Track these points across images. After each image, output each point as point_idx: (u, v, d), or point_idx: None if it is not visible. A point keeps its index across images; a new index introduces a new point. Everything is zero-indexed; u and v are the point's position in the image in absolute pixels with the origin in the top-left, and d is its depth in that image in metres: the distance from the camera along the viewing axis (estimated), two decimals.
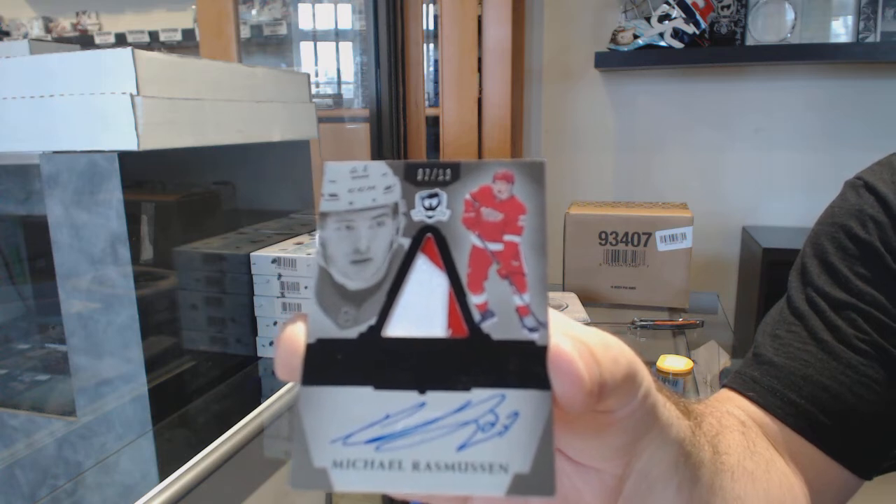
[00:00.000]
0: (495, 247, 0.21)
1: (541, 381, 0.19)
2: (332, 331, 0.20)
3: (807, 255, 0.49)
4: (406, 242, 0.21)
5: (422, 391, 0.20)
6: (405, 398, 0.20)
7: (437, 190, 0.22)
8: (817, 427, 0.43)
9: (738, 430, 0.40)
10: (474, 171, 0.22)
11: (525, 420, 0.19)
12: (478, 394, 0.19)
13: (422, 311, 0.21)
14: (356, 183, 0.22)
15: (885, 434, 0.45)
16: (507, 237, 0.21)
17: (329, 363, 0.20)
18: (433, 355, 0.20)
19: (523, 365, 0.20)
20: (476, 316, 0.20)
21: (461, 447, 0.19)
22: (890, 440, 0.45)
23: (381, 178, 0.22)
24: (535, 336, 0.20)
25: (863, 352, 0.44)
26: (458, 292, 0.21)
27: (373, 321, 0.21)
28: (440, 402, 0.19)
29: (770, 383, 0.45)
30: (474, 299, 0.21)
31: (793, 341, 0.46)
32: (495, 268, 0.21)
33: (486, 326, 0.20)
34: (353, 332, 0.20)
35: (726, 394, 0.48)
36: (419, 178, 0.22)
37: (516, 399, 0.19)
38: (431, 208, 0.21)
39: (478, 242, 0.21)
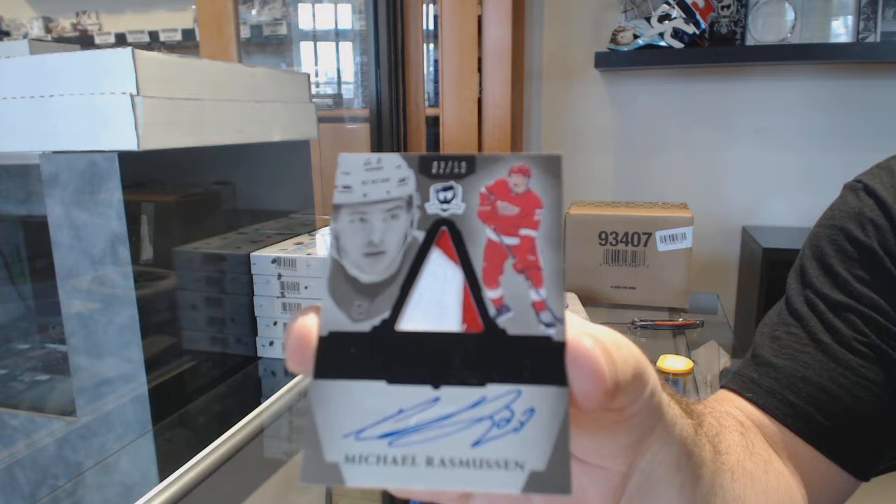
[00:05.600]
0: (511, 241, 0.21)
1: (558, 377, 0.19)
2: (344, 324, 0.20)
3: (806, 256, 0.49)
4: (420, 235, 0.21)
5: (436, 386, 0.19)
6: (419, 393, 0.19)
7: (451, 183, 0.21)
8: (816, 428, 0.43)
9: (736, 430, 0.40)
10: (490, 164, 0.21)
11: (541, 417, 0.19)
12: (493, 389, 0.19)
13: (436, 305, 0.20)
14: (370, 175, 0.22)
15: (884, 436, 0.45)
16: (523, 231, 0.21)
17: (342, 356, 0.20)
18: (447, 350, 0.20)
19: (540, 361, 0.19)
20: (491, 310, 0.20)
21: (476, 443, 0.19)
22: (888, 442, 0.45)
23: (396, 171, 0.22)
24: (551, 332, 0.20)
25: (862, 354, 0.44)
26: (473, 286, 0.20)
27: (386, 314, 0.20)
28: (455, 397, 0.19)
29: (769, 384, 0.45)
30: (489, 293, 0.20)
31: (792, 343, 0.46)
32: (511, 262, 0.20)
33: (502, 321, 0.20)
34: (366, 326, 0.20)
35: (725, 394, 0.48)
36: (434, 170, 0.21)
37: (532, 395, 0.19)
38: (446, 201, 0.21)
39: (493, 236, 0.21)
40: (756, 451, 0.39)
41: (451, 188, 0.21)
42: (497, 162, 0.21)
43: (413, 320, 0.20)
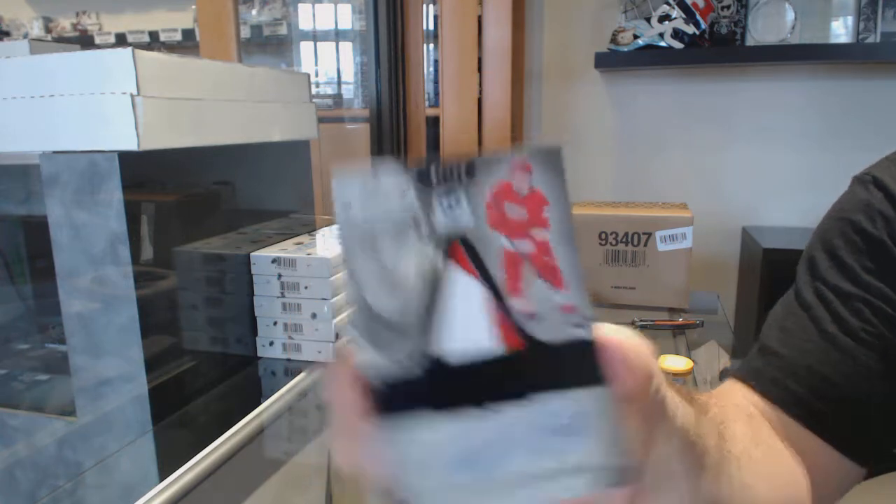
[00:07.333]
0: (525, 246, 0.20)
1: (596, 377, 0.20)
2: (384, 363, 0.20)
3: (815, 247, 0.49)
4: (435, 255, 0.20)
5: (485, 407, 0.20)
6: (471, 416, 0.20)
7: (454, 191, 0.21)
8: (817, 415, 0.44)
9: (742, 419, 0.40)
10: (490, 165, 0.21)
11: (591, 417, 0.19)
12: (539, 400, 0.20)
13: (468, 327, 0.20)
14: (368, 193, 0.21)
15: (886, 424, 0.45)
16: (535, 233, 0.20)
17: (391, 396, 0.20)
18: (489, 369, 0.20)
19: (578, 364, 0.20)
20: (522, 322, 0.20)
21: (537, 454, 0.19)
22: (890, 430, 0.45)
23: (394, 185, 0.21)
24: (582, 333, 0.20)
25: (866, 343, 0.44)
26: (498, 300, 0.20)
27: (422, 346, 0.20)
28: (505, 414, 0.20)
29: (772, 373, 0.46)
30: (516, 305, 0.20)
31: (797, 332, 0.47)
32: (529, 268, 0.20)
33: (534, 331, 0.20)
34: (405, 361, 0.20)
35: (731, 384, 0.48)
36: (433, 179, 0.21)
37: (579, 398, 0.19)
38: (452, 211, 0.21)
39: (507, 244, 0.20)
40: (762, 439, 0.39)
41: (454, 196, 0.21)
42: (497, 163, 0.21)
43: (448, 347, 0.20)
